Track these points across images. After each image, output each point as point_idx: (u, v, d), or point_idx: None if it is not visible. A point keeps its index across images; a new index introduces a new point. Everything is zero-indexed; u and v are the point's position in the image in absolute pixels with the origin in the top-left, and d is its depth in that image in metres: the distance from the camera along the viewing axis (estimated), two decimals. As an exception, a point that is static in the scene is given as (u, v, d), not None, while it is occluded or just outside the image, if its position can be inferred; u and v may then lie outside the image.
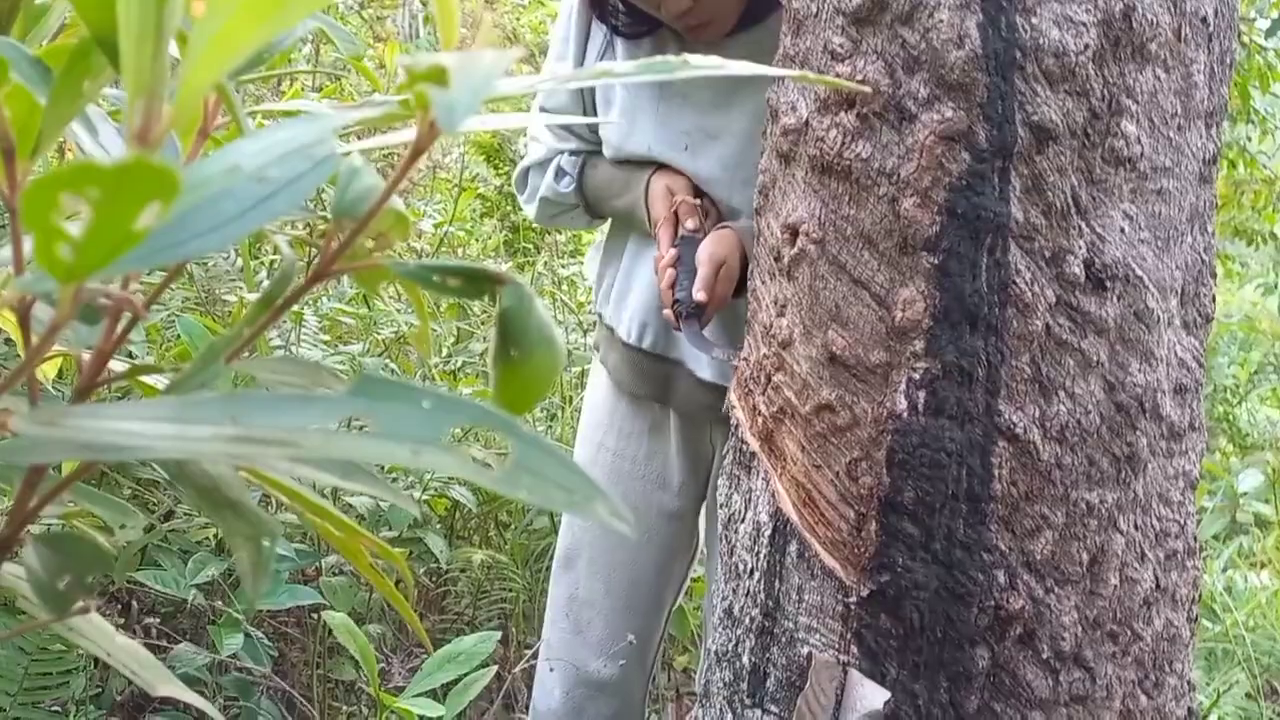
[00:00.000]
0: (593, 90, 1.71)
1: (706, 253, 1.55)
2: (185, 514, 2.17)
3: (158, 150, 0.28)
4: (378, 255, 0.36)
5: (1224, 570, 2.72)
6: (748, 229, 1.57)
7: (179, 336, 1.99)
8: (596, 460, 1.86)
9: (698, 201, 1.62)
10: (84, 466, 0.37)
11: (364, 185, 0.34)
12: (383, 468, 2.50)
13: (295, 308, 2.74)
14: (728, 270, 1.55)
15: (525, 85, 0.34)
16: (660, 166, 1.66)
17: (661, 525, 1.83)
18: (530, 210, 1.89)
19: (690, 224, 1.59)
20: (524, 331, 0.34)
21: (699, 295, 1.52)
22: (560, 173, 1.79)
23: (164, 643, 2.30)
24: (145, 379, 0.40)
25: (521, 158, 2.00)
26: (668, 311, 1.57)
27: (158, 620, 2.29)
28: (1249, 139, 5.31)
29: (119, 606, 2.33)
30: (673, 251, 1.58)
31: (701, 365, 1.73)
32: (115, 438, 0.28)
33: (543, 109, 1.80)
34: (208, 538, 2.13)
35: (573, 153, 1.79)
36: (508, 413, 0.34)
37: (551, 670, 1.83)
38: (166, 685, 0.50)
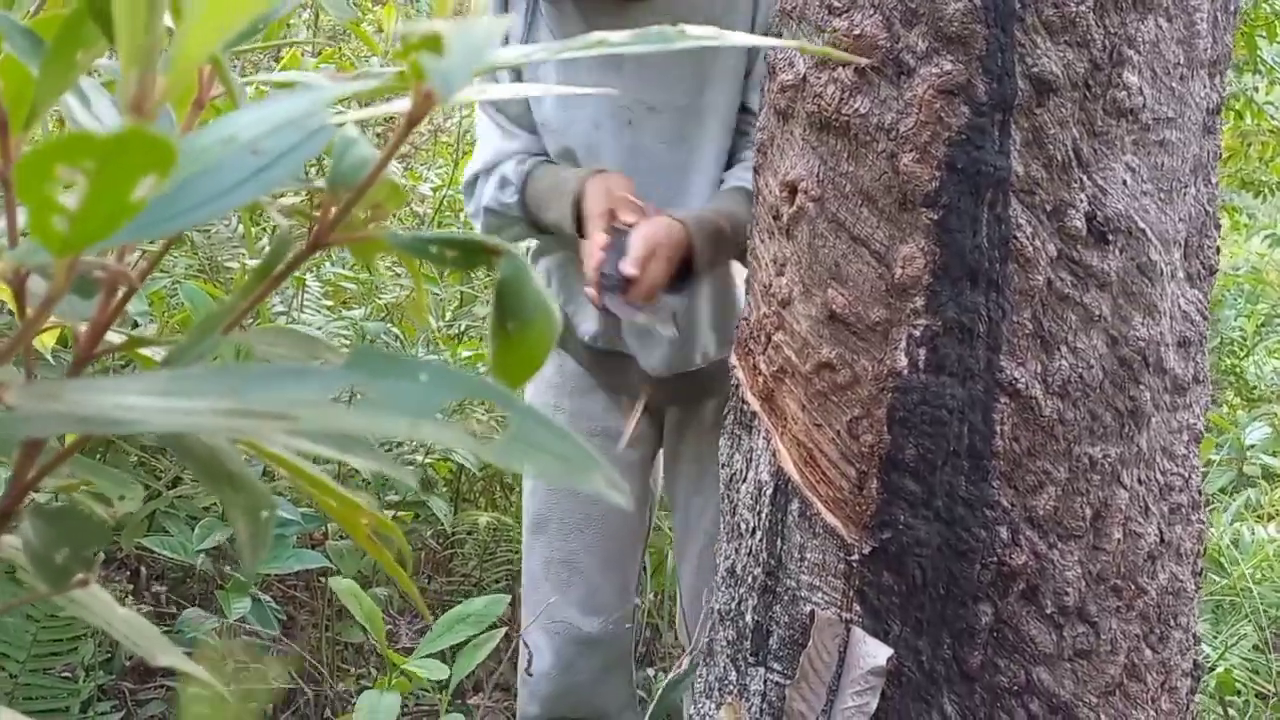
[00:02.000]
0: (520, 75, 1.62)
1: (642, 233, 1.49)
2: (191, 481, 2.18)
3: (152, 121, 0.28)
4: (374, 226, 0.35)
5: (1231, 523, 2.73)
6: (696, 218, 1.54)
7: (182, 304, 1.99)
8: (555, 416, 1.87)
9: (640, 202, 1.55)
10: (82, 439, 0.37)
11: (359, 156, 0.33)
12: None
13: (297, 273, 2.74)
14: (664, 254, 1.49)
15: (521, 54, 0.33)
16: (596, 171, 1.59)
17: (624, 477, 1.83)
18: (476, 224, 1.78)
19: (628, 218, 1.53)
20: (520, 302, 0.34)
21: (628, 269, 1.46)
22: (504, 182, 1.69)
23: (173, 609, 2.32)
24: (144, 350, 0.40)
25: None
26: (590, 289, 1.51)
27: (166, 587, 2.31)
28: (1256, 89, 5.27)
29: (127, 573, 2.35)
30: (603, 236, 1.51)
31: (653, 359, 1.71)
32: (112, 411, 0.28)
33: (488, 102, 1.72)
34: (214, 504, 2.14)
35: (520, 159, 1.69)
36: (505, 384, 0.34)
37: (541, 633, 1.85)
38: (166, 655, 0.50)
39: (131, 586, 2.30)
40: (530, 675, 1.84)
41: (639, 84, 1.59)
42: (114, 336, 0.42)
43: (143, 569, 2.37)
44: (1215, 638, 2.23)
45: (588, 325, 1.77)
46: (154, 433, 0.32)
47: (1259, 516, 3.02)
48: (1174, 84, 1.14)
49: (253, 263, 2.36)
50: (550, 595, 1.86)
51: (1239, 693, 2.15)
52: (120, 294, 0.38)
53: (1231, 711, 2.09)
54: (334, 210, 0.33)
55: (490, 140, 1.72)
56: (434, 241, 0.33)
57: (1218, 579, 2.44)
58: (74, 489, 0.48)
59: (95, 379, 0.30)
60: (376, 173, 0.32)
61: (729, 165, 1.69)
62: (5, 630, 1.77)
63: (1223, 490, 3.16)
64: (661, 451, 1.93)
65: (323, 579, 2.47)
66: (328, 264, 2.87)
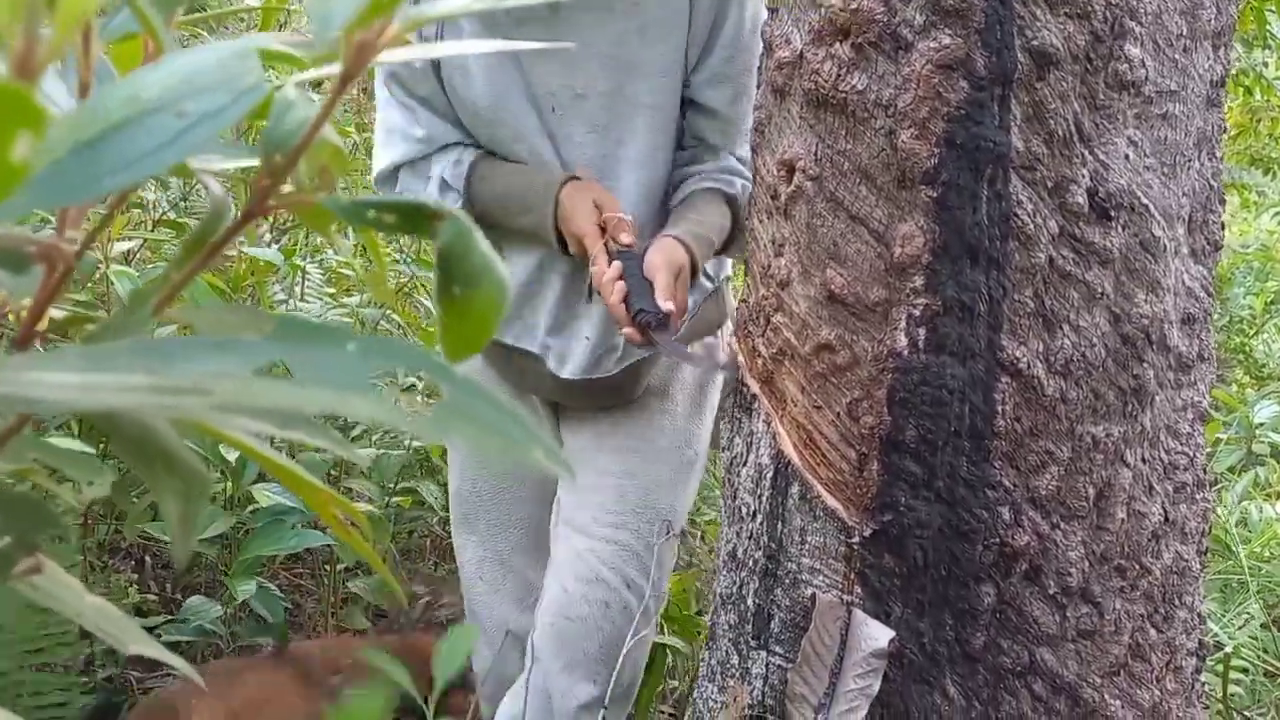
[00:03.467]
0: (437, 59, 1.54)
1: (662, 260, 1.44)
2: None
3: (37, 79, 0.26)
4: (319, 194, 0.34)
5: (1239, 502, 2.70)
6: (692, 235, 1.50)
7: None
8: None
9: (630, 217, 1.49)
10: (19, 423, 0.35)
11: (298, 118, 0.32)
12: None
13: (298, 261, 2.72)
14: (684, 277, 1.46)
15: (462, 5, 0.32)
16: (570, 178, 1.52)
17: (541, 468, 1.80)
18: None
19: (625, 238, 1.47)
20: (466, 267, 0.32)
21: (667, 305, 1.41)
22: (444, 187, 1.60)
23: (178, 597, 2.32)
24: (91, 329, 0.38)
25: None
26: (629, 330, 1.43)
27: (170, 575, 2.31)
28: (1265, 65, 5.21)
29: (132, 562, 2.35)
30: (616, 265, 1.45)
31: (564, 367, 1.65)
32: (27, 389, 0.26)
33: (392, 76, 1.58)
34: (217, 493, 2.14)
35: (456, 161, 1.59)
36: (453, 354, 0.32)
37: (480, 633, 1.82)
38: (139, 644, 0.49)
39: (136, 576, 2.30)
40: (474, 675, 1.84)
41: (562, 67, 1.52)
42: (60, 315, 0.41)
43: (147, 558, 2.37)
44: (1223, 616, 2.21)
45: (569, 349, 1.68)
46: (82, 413, 0.30)
47: (1267, 495, 2.99)
48: (1177, 56, 1.12)
49: (251, 250, 2.35)
50: (485, 594, 1.83)
51: (1247, 671, 2.13)
52: (59, 271, 0.36)
53: (1239, 689, 2.07)
54: (269, 176, 0.31)
55: (395, 126, 1.62)
56: (372, 205, 0.32)
57: (1225, 558, 2.42)
58: (29, 474, 0.46)
59: (17, 356, 0.29)
60: (312, 134, 0.31)
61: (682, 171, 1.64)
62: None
63: (1231, 469, 3.14)
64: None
65: (328, 566, 2.47)
66: (329, 251, 2.86)
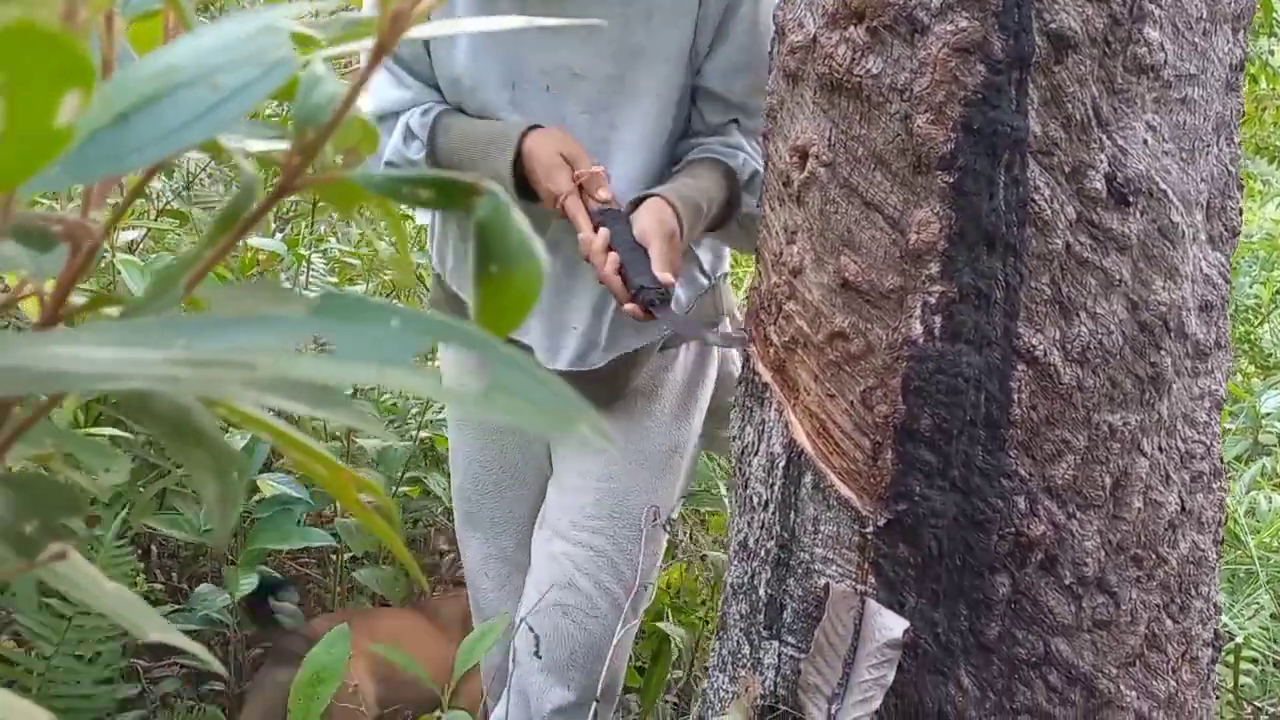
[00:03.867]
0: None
1: (654, 226, 1.37)
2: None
3: (83, 37, 0.25)
4: (345, 170, 0.33)
5: (1247, 492, 2.70)
6: (680, 197, 1.44)
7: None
8: (464, 425, 1.80)
9: (602, 169, 1.43)
10: (49, 403, 0.35)
11: (326, 93, 0.31)
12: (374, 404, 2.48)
13: (302, 250, 2.72)
14: (675, 241, 1.40)
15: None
16: (531, 127, 1.45)
17: (542, 465, 1.80)
18: None
19: (603, 194, 1.41)
20: (503, 244, 0.31)
21: (666, 277, 1.35)
22: (409, 134, 1.54)
23: (185, 586, 2.32)
24: (112, 310, 0.38)
25: None
26: (631, 306, 1.36)
27: (177, 564, 2.31)
28: (1271, 53, 5.19)
29: (139, 551, 2.34)
30: (604, 232, 1.38)
31: (556, 359, 1.61)
32: (62, 364, 0.25)
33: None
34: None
35: (424, 109, 1.55)
36: (490, 331, 0.32)
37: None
38: (158, 630, 0.48)
39: (143, 565, 2.30)
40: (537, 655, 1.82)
41: (562, 45, 1.47)
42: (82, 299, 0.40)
43: (154, 547, 2.37)
44: (1232, 607, 2.20)
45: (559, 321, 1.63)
46: (116, 392, 0.29)
47: (1275, 485, 2.98)
48: (1196, 39, 1.11)
49: (258, 240, 2.34)
50: (491, 592, 1.82)
51: (1256, 661, 2.13)
52: (86, 249, 0.36)
53: (1249, 679, 2.07)
54: (300, 152, 0.31)
55: (378, 87, 1.57)
56: (407, 181, 0.31)
57: (1234, 548, 2.42)
58: (49, 459, 0.45)
59: (44, 333, 0.28)
60: (344, 109, 0.30)
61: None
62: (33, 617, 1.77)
63: (1238, 459, 3.13)
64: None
65: (334, 556, 2.47)
66: (332, 240, 2.85)
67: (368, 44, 0.31)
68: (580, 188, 1.42)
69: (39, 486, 0.35)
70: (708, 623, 2.24)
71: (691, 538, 2.72)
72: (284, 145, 0.36)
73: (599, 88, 1.49)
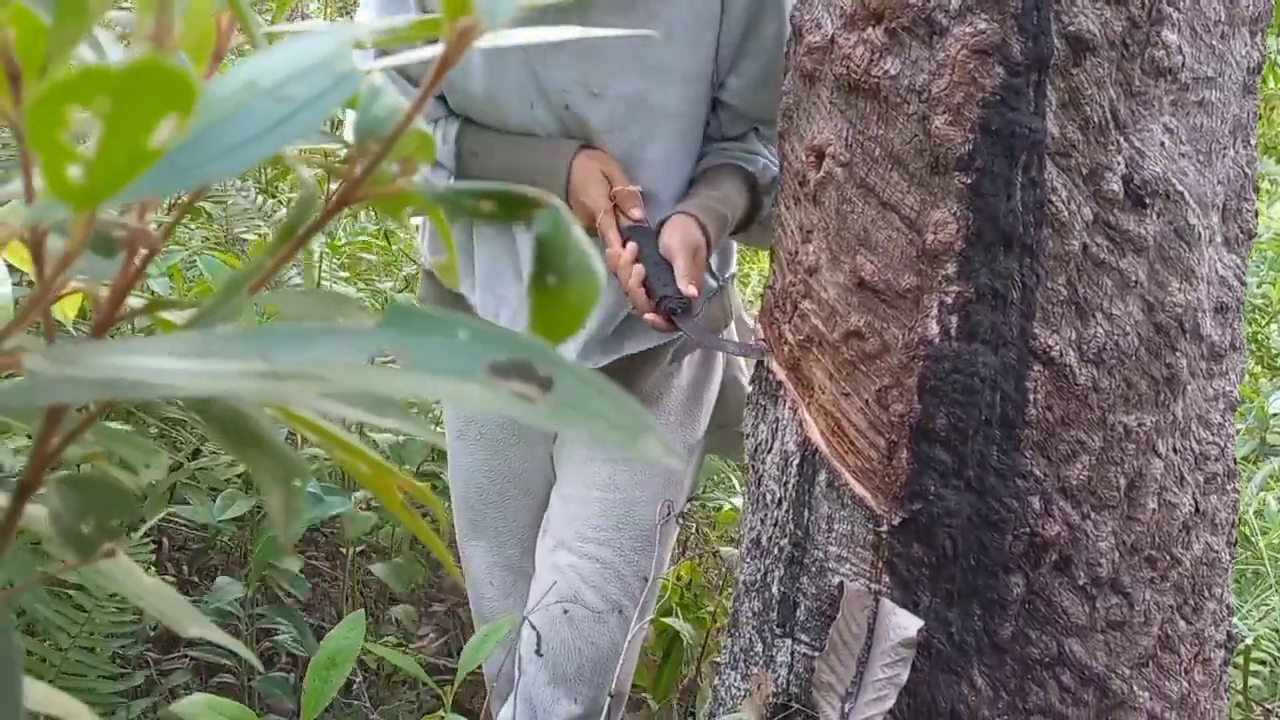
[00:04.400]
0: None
1: (679, 241, 1.40)
2: (212, 452, 2.18)
3: (174, 55, 0.26)
4: (403, 180, 0.34)
5: (1256, 493, 2.70)
6: (706, 210, 1.45)
7: (200, 276, 1.98)
8: (465, 435, 1.78)
9: (638, 189, 1.45)
10: (105, 405, 0.35)
11: (387, 105, 0.32)
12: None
13: (309, 246, 2.73)
14: (701, 256, 1.42)
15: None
16: (582, 146, 1.47)
17: (546, 473, 1.79)
18: None
19: (636, 213, 1.43)
20: (562, 257, 0.32)
21: (690, 289, 1.37)
22: (434, 166, 1.52)
23: (195, 579, 2.33)
24: (167, 315, 0.38)
25: None
26: (653, 316, 1.38)
27: (187, 557, 2.32)
28: (1279, 52, 5.18)
29: (151, 544, 2.35)
30: (631, 245, 1.41)
31: (566, 349, 1.56)
32: (139, 374, 0.26)
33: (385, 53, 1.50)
34: (235, 476, 2.14)
35: (448, 119, 1.54)
36: (548, 342, 0.32)
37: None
38: (196, 626, 0.49)
39: (154, 558, 2.31)
40: (539, 654, 1.83)
41: (580, 63, 1.45)
42: (135, 302, 0.41)
43: (165, 540, 2.37)
44: (1241, 608, 2.21)
45: (516, 321, 1.61)
46: (180, 397, 0.30)
47: (1285, 486, 2.98)
48: (1214, 42, 1.11)
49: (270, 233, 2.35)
50: (496, 600, 1.81)
51: (1265, 663, 2.13)
52: (141, 255, 0.36)
53: (1258, 681, 2.07)
54: (362, 163, 0.31)
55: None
56: (470, 194, 0.32)
57: (1243, 548, 2.42)
58: (97, 458, 0.46)
59: (120, 341, 0.28)
60: (407, 122, 0.31)
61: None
62: (51, 607, 1.78)
63: (1246, 459, 3.13)
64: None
65: (343, 551, 2.47)
66: (341, 233, 2.85)
67: (425, 53, 0.32)
68: (615, 205, 1.44)
69: (96, 487, 0.36)
70: (715, 619, 2.24)
71: (698, 531, 2.72)
72: (339, 149, 0.37)
73: (618, 106, 1.48)
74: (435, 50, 0.30)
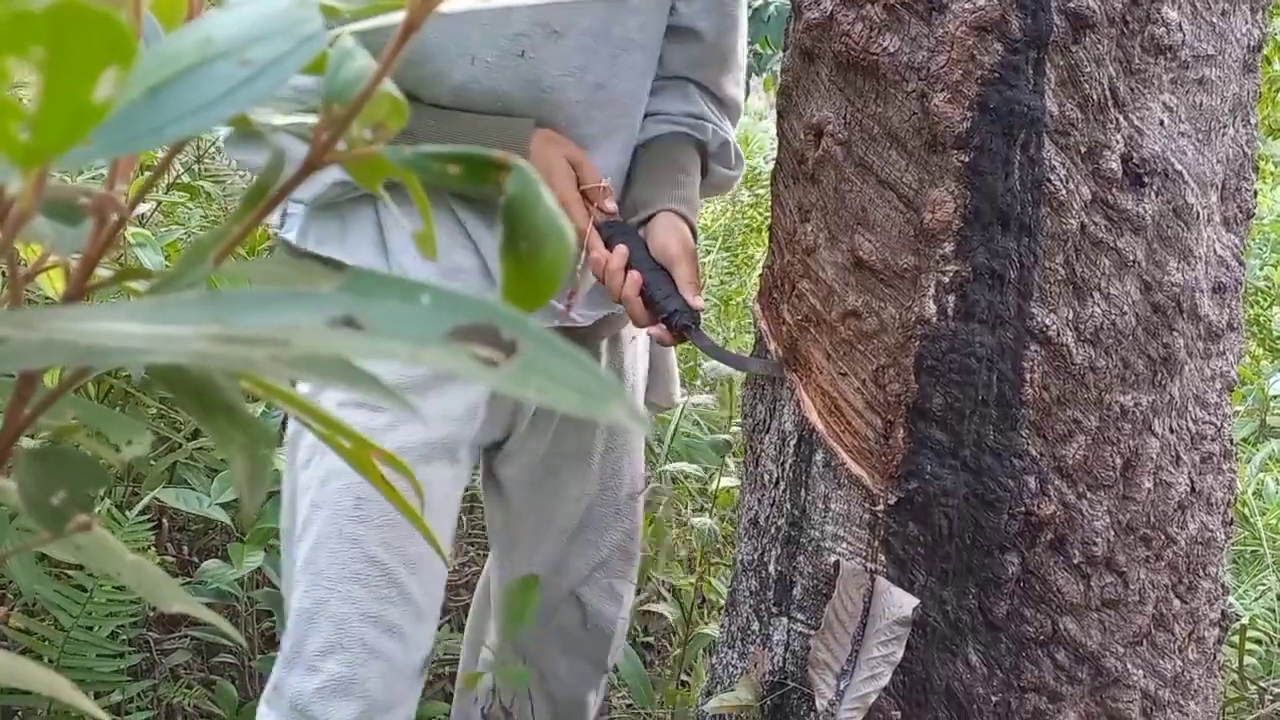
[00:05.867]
0: None
1: (679, 248, 1.30)
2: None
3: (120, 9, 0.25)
4: (373, 146, 0.33)
5: (1255, 474, 2.69)
6: (688, 203, 1.37)
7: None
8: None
9: (608, 180, 1.35)
10: (75, 376, 0.35)
11: (357, 68, 0.31)
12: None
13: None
14: (697, 261, 1.33)
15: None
16: (537, 127, 1.35)
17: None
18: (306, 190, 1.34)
19: (609, 206, 1.33)
20: (532, 221, 0.31)
21: (698, 302, 1.28)
22: None
23: (195, 559, 2.33)
24: (137, 284, 0.38)
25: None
26: (656, 330, 1.29)
27: (187, 537, 2.32)
28: (1286, 33, 5.14)
29: (150, 524, 2.36)
30: (621, 249, 1.30)
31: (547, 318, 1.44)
32: (95, 339, 0.26)
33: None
34: (234, 456, 2.14)
35: None
36: (517, 308, 0.32)
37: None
38: (180, 603, 0.49)
39: (154, 538, 2.31)
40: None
41: (538, 6, 1.32)
42: (109, 273, 0.40)
43: (165, 520, 2.38)
44: (1239, 588, 2.21)
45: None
46: (141, 365, 0.30)
47: (1284, 467, 2.98)
48: (1215, 19, 1.10)
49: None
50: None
51: (1261, 642, 2.13)
52: (111, 223, 0.36)
53: (1254, 660, 2.07)
54: (329, 128, 0.31)
55: None
56: (437, 157, 0.31)
57: (1241, 529, 2.42)
58: (74, 431, 0.46)
59: (78, 307, 0.28)
60: (374, 85, 0.30)
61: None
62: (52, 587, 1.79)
63: (1245, 440, 3.12)
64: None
65: (343, 531, 2.47)
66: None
67: (396, 17, 0.31)
68: (585, 197, 1.34)
69: (65, 459, 0.36)
70: (697, 589, 2.23)
71: (669, 503, 2.70)
72: (311, 119, 0.36)
73: (579, 44, 1.35)
74: (398, 16, 0.29)
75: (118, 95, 0.22)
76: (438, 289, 0.26)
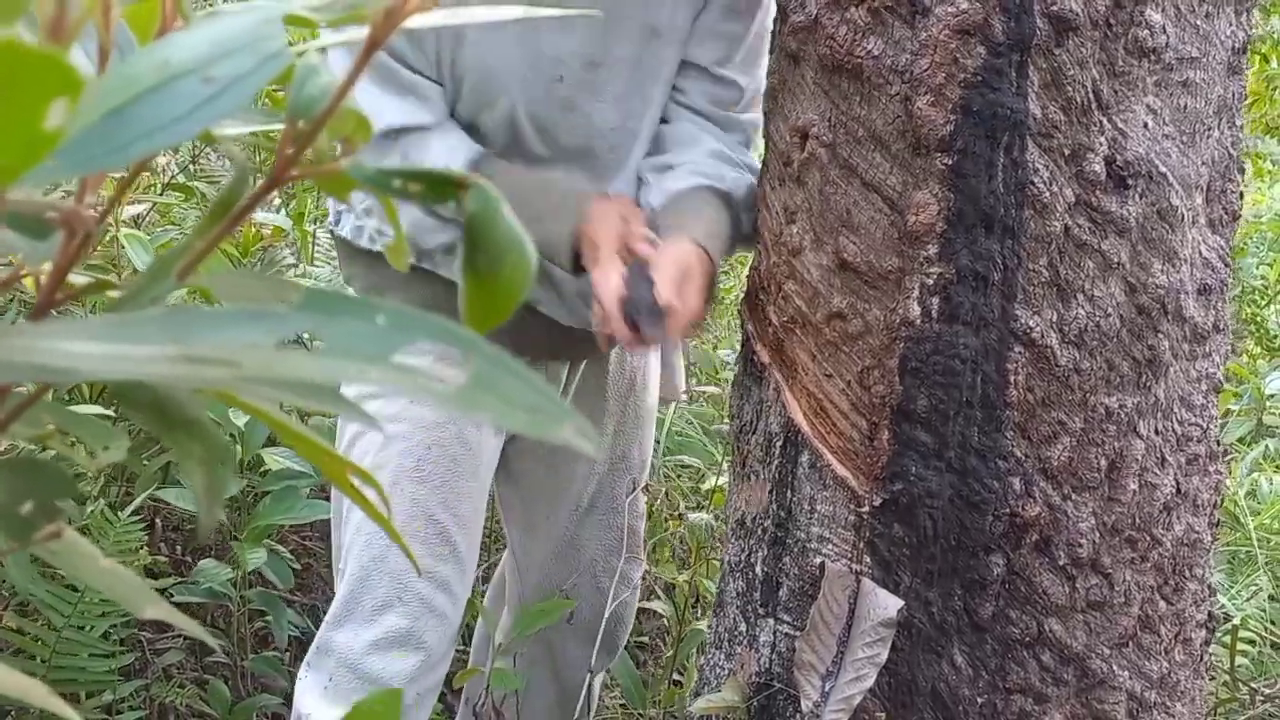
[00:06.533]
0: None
1: (670, 256, 1.25)
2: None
3: (70, 44, 0.26)
4: (343, 160, 0.33)
5: (1249, 474, 2.70)
6: (710, 236, 1.32)
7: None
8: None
9: (653, 236, 1.30)
10: (40, 391, 0.35)
11: (321, 84, 0.31)
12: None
13: (306, 226, 2.71)
14: (700, 283, 1.27)
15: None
16: (599, 195, 1.36)
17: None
18: (367, 217, 1.42)
19: (643, 249, 1.28)
20: (492, 238, 0.32)
21: (666, 293, 1.21)
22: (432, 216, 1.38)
23: (189, 559, 2.33)
24: (113, 295, 0.38)
25: None
26: (617, 325, 1.22)
27: (181, 537, 2.32)
28: (1281, 31, 5.15)
29: (143, 524, 2.36)
30: (621, 267, 1.26)
31: (561, 312, 1.48)
32: (52, 359, 0.26)
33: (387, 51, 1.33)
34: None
35: (473, 158, 1.37)
36: (476, 326, 0.32)
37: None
38: (154, 608, 0.49)
39: (147, 538, 2.31)
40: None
41: (584, 34, 1.34)
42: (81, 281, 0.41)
43: (158, 521, 2.38)
44: (1231, 588, 2.21)
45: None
46: (98, 380, 0.30)
47: (1277, 467, 2.98)
48: (1198, 22, 1.11)
49: (263, 215, 2.35)
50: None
51: (1253, 643, 2.14)
52: (80, 236, 0.36)
53: (1246, 660, 2.08)
54: (294, 143, 0.31)
55: (388, 103, 1.36)
56: (398, 175, 0.31)
57: (1234, 530, 2.42)
58: (49, 438, 0.46)
59: (39, 324, 0.28)
60: (336, 101, 0.30)
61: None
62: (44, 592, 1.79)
63: (1241, 440, 3.13)
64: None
65: (336, 530, 2.47)
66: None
67: (354, 35, 0.31)
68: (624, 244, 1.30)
69: (35, 469, 0.36)
70: (691, 585, 2.23)
71: (667, 495, 2.71)
72: (279, 128, 0.37)
73: (615, 74, 1.38)
74: (362, 31, 0.30)
75: (72, 121, 0.22)
76: (395, 309, 0.26)
